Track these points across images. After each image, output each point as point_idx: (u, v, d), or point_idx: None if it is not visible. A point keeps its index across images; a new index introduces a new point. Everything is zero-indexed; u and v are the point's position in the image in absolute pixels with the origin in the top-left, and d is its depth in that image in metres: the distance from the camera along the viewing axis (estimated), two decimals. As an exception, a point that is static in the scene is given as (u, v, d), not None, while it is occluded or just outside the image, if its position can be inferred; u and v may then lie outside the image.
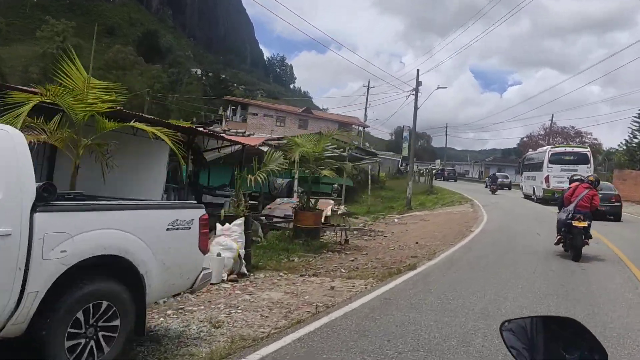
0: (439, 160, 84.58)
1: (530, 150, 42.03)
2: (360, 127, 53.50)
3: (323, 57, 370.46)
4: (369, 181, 28.09)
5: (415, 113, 29.94)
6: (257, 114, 48.88)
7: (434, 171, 44.05)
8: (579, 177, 12.18)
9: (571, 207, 10.59)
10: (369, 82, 54.54)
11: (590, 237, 10.69)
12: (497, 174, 48.82)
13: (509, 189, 44.88)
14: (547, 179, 27.36)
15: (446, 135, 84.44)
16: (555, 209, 13.14)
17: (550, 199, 25.56)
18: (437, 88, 52.34)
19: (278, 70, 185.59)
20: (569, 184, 11.78)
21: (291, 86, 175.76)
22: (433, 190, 35.63)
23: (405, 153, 64.47)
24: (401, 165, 57.43)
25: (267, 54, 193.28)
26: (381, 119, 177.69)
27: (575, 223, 10.30)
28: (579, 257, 10.30)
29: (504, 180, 47.23)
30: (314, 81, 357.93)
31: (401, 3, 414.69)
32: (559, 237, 10.89)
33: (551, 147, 30.20)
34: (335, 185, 24.37)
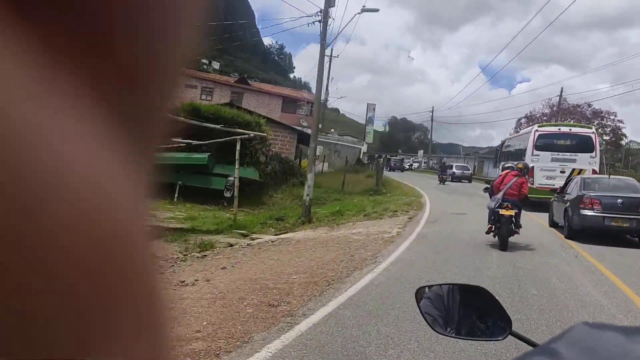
0: (421, 152, 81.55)
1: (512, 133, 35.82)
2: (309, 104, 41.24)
3: (328, 49, 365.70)
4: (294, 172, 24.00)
5: (322, 52, 17.58)
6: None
7: (381, 160, 35.31)
8: (510, 164, 12.26)
9: (500, 195, 10.56)
10: (331, 51, 49.49)
11: (520, 227, 10.66)
12: (455, 164, 47.18)
13: (469, 181, 41.05)
14: (530, 173, 17.18)
15: (432, 121, 79.71)
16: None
17: (535, 201, 17.33)
18: (362, 9, 47.33)
19: (276, 59, 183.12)
20: (501, 171, 11.70)
21: (291, 76, 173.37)
22: (380, 189, 25.38)
23: (370, 139, 59.89)
24: (364, 154, 51.03)
25: (267, 43, 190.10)
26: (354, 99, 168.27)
27: (502, 211, 10.27)
28: (505, 247, 10.20)
29: (464, 172, 43.14)
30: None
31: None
32: (489, 226, 10.85)
33: (538, 126, 21.68)
34: (231, 178, 15.74)
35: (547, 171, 19.21)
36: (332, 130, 53.45)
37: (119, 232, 0.18)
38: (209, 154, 17.13)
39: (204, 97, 36.56)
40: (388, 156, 59.89)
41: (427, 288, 1.52)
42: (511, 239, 10.34)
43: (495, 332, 1.40)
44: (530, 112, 56.65)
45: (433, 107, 77.16)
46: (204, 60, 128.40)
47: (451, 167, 42.83)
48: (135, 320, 0.19)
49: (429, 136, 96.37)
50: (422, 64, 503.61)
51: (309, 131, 36.81)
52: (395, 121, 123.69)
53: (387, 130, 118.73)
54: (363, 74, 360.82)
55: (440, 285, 1.51)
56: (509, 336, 1.35)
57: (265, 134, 19.87)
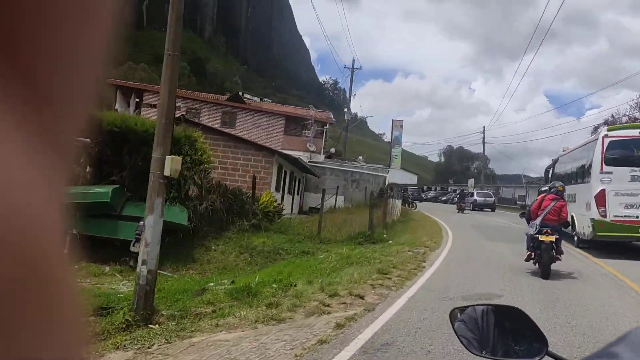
0: (471, 181, 74.14)
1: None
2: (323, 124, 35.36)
3: (390, 85, 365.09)
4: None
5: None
6: (156, 106, 31.87)
7: (390, 191, 26.88)
8: (546, 188, 11.99)
9: (538, 220, 10.22)
10: (353, 61, 46.00)
11: (562, 253, 10.28)
12: (476, 191, 43.63)
13: (492, 209, 37.54)
14: (600, 199, 13.57)
15: (483, 143, 71.20)
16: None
17: (612, 242, 13.76)
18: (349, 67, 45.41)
19: (331, 94, 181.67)
20: (537, 196, 11.55)
21: (345, 110, 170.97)
22: (379, 233, 17.18)
23: (396, 164, 50.58)
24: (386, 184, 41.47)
25: (322, 79, 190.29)
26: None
27: (542, 237, 9.95)
28: (547, 274, 9.83)
29: (487, 199, 39.27)
30: (381, 110, 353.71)
31: (469, 28, 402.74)
32: (528, 252, 10.40)
33: (608, 130, 15.14)
34: (141, 222, 9.43)
35: (626, 196, 13.59)
36: (360, 157, 48.06)
37: (28, 236, 0.19)
38: (116, 187, 12.28)
39: (189, 117, 29.98)
40: (405, 186, 54.54)
41: (460, 310, 1.53)
42: (553, 266, 9.99)
43: (532, 353, 1.37)
44: (613, 117, 43.37)
45: (484, 127, 68.59)
46: (255, 98, 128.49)
47: (472, 194, 40.48)
48: (47, 321, 0.20)
49: (488, 165, 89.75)
50: (484, 95, 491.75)
51: (319, 158, 32.30)
52: (451, 151, 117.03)
53: (443, 160, 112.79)
54: (424, 107, 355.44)
55: (473, 306, 1.51)
56: (546, 356, 1.35)
57: (206, 156, 14.64)
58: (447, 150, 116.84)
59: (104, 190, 11.81)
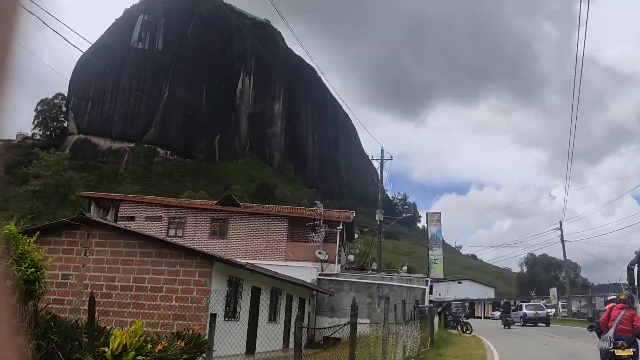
0: (554, 290, 65.80)
1: None
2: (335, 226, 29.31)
3: (465, 198, 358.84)
4: None
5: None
6: (134, 218, 28.54)
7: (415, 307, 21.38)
8: (612, 297, 10.68)
9: (610, 333, 9.35)
10: (382, 150, 42.47)
11: None
12: (525, 303, 38.98)
13: (546, 324, 33.79)
14: None
15: (563, 243, 59.26)
16: None
17: None
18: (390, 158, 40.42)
19: (400, 209, 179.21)
20: (604, 306, 10.45)
21: (419, 225, 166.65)
22: None
23: (438, 271, 37.40)
24: (430, 296, 32.29)
25: (391, 195, 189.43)
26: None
27: (618, 352, 9.10)
28: None
29: (538, 311, 35.28)
30: (458, 224, 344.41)
31: (541, 135, 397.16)
32: None
33: None
34: None
35: None
36: (404, 267, 43.44)
37: None
38: None
39: (172, 232, 27.05)
40: (447, 302, 47.61)
41: None
42: None
43: None
44: None
45: (561, 222, 59.70)
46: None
47: (520, 307, 36.75)
48: None
49: (578, 273, 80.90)
50: (567, 201, 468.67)
51: (333, 269, 26.67)
52: (534, 259, 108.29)
53: (525, 271, 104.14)
54: (503, 218, 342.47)
55: None
56: None
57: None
58: (529, 258, 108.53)
59: None
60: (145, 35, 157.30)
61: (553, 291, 65.55)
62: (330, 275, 26.10)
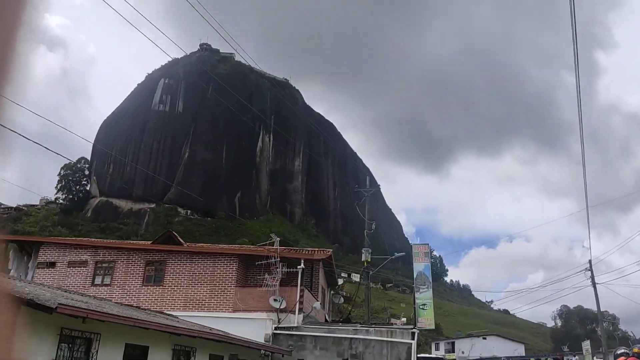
0: (587, 343, 59.22)
1: None
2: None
3: (495, 251, 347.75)
4: None
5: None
6: (55, 264, 23.72)
7: None
8: (623, 350, 10.99)
9: None
10: (367, 180, 39.81)
11: None
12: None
13: None
14: None
15: (594, 285, 54.30)
16: None
17: None
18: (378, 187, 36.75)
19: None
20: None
21: (446, 279, 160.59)
22: None
23: (428, 319, 27.99)
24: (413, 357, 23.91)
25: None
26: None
27: None
28: None
29: None
30: (489, 278, 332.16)
31: (569, 185, 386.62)
32: None
33: None
34: None
35: None
36: (403, 319, 39.49)
37: None
38: None
39: (98, 280, 22.59)
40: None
41: None
42: None
43: None
44: None
45: (590, 261, 53.60)
46: (344, 274, 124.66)
47: None
48: None
49: (617, 325, 74.75)
50: (601, 252, 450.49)
51: (293, 321, 20.98)
52: (568, 312, 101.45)
53: (559, 324, 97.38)
54: (535, 271, 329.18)
55: None
56: None
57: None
58: (563, 311, 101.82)
59: None
60: (166, 98, 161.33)
61: (586, 345, 59.70)
62: (289, 328, 21.11)
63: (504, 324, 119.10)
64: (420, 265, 30.35)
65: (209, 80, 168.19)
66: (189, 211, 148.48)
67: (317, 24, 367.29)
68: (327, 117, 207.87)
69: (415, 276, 28.48)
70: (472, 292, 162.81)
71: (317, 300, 23.84)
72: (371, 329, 21.89)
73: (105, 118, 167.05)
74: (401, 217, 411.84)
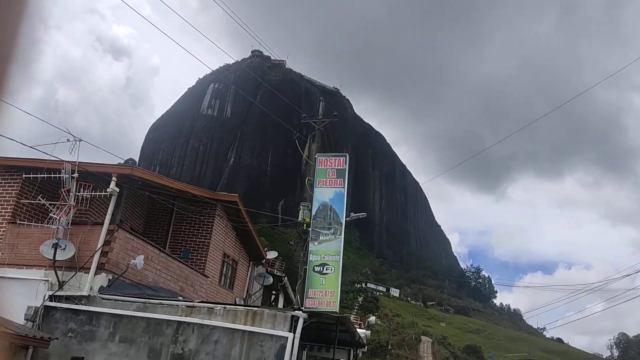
0: None
1: None
2: None
3: (551, 277, 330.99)
4: None
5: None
6: None
7: None
8: None
9: None
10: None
11: None
12: None
13: None
14: None
15: None
16: None
17: None
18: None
19: (473, 283, 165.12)
20: None
21: (494, 302, 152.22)
22: None
23: (326, 293, 13.01)
24: None
25: (463, 267, 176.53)
26: None
27: None
28: None
29: None
30: (543, 304, 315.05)
31: (634, 212, 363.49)
32: None
33: None
34: None
35: None
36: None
37: None
38: None
39: None
40: None
41: None
42: None
43: None
44: None
45: None
46: (381, 288, 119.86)
47: None
48: None
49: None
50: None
51: (84, 286, 11.33)
52: (627, 340, 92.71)
53: (617, 355, 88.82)
54: (595, 300, 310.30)
55: None
56: None
57: None
58: (621, 340, 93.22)
59: None
60: (214, 103, 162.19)
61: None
62: (74, 299, 11.67)
63: (556, 353, 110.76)
64: (325, 192, 14.73)
65: (258, 86, 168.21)
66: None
67: (370, 36, 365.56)
68: (376, 127, 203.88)
69: (312, 211, 14.52)
70: (523, 317, 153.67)
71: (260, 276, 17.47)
72: (218, 307, 11.31)
73: (154, 121, 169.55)
74: (453, 237, 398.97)
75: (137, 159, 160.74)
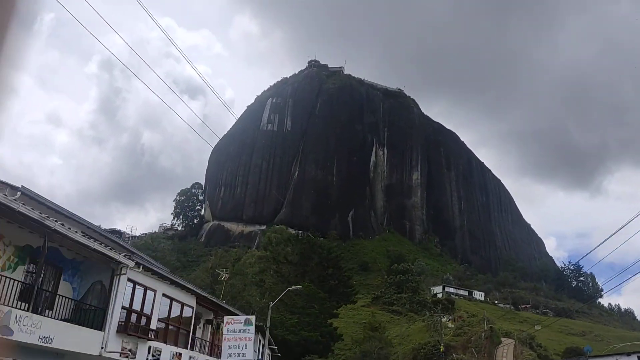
0: None
1: None
2: None
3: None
4: None
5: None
6: None
7: None
8: None
9: None
10: None
11: None
12: None
13: None
14: None
15: None
16: None
17: None
18: None
19: (575, 282, 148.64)
20: None
21: (601, 303, 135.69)
22: None
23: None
24: None
25: (561, 265, 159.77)
26: None
27: None
28: None
29: None
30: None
31: None
32: None
33: None
34: None
35: None
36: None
37: None
38: None
39: None
40: None
41: None
42: None
43: None
44: None
45: None
46: (463, 292, 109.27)
47: None
48: None
49: None
50: None
51: None
52: None
53: None
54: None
55: None
56: None
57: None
58: None
59: None
60: (274, 117, 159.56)
61: None
62: None
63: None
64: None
65: (317, 95, 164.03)
66: (300, 232, 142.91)
67: (438, 38, 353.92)
68: (446, 125, 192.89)
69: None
70: (636, 317, 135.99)
71: None
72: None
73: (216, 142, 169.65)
74: (550, 242, 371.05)
75: (202, 183, 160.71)
